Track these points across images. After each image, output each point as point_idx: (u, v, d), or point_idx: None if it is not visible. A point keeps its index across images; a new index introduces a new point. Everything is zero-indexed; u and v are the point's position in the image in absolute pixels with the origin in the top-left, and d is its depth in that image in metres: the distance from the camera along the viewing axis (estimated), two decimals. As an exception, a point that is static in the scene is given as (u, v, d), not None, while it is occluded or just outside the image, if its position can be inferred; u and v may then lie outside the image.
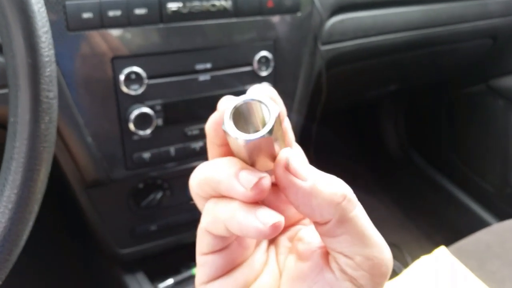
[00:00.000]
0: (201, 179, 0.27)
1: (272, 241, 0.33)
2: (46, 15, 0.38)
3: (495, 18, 1.14)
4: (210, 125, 0.28)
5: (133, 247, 0.84)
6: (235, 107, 0.25)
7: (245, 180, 0.25)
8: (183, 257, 0.91)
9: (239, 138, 0.24)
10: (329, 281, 0.27)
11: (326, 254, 0.28)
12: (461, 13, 1.07)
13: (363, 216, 0.27)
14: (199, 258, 0.30)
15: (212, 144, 0.29)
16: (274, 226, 0.25)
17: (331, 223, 0.26)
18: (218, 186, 0.26)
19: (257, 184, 0.25)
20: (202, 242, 0.29)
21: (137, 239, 0.84)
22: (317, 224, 0.27)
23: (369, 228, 0.27)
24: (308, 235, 0.30)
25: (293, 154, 0.26)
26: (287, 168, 0.25)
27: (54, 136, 0.40)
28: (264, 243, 0.32)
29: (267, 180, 0.25)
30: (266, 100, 0.25)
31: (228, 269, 0.30)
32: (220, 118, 0.27)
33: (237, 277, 0.30)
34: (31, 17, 0.37)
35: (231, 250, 0.29)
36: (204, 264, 0.29)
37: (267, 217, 0.25)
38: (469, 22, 1.10)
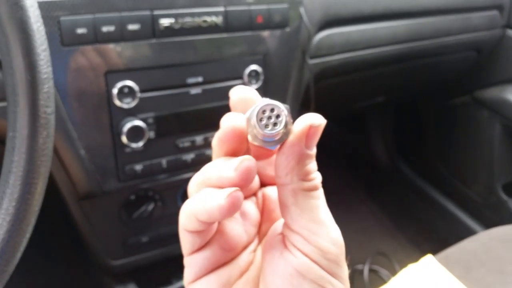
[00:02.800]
0: (199, 182, 0.30)
1: (260, 240, 0.35)
2: (44, 34, 0.40)
3: (479, 31, 1.16)
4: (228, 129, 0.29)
5: (125, 259, 0.85)
6: (261, 108, 0.28)
7: (230, 164, 0.28)
8: (174, 268, 0.91)
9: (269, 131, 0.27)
10: (289, 260, 0.29)
11: (284, 239, 0.31)
12: (446, 27, 1.09)
13: (318, 198, 0.29)
14: (185, 260, 0.32)
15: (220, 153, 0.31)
16: (231, 196, 0.27)
17: (288, 188, 0.29)
18: (210, 181, 0.29)
19: (240, 164, 0.27)
20: (183, 242, 0.31)
21: (129, 251, 0.84)
22: (279, 185, 0.30)
23: (320, 209, 0.29)
24: (276, 224, 0.33)
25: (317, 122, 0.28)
26: (308, 130, 0.28)
27: (51, 151, 0.41)
28: (253, 245, 0.34)
29: (249, 161, 0.28)
30: (279, 103, 0.28)
31: (211, 268, 0.32)
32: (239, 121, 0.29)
33: (221, 274, 0.32)
34: (30, 35, 0.38)
35: (213, 250, 0.31)
36: (189, 265, 0.32)
37: (226, 191, 0.27)
38: (453, 36, 1.12)
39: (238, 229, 0.33)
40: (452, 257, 0.84)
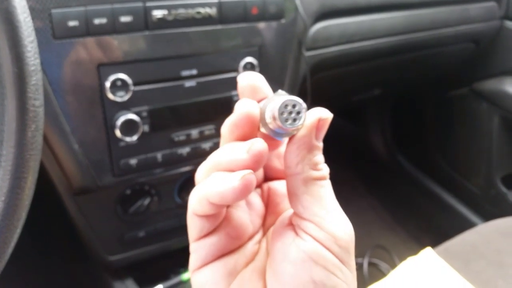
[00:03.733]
0: (208, 168, 0.31)
1: (265, 233, 0.36)
2: (31, 25, 0.39)
3: (477, 23, 1.16)
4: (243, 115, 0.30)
5: (121, 254, 0.84)
6: (284, 102, 0.29)
7: (242, 146, 0.29)
8: (171, 263, 0.91)
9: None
10: (301, 246, 0.30)
11: (294, 228, 0.32)
12: (444, 18, 1.08)
13: (327, 187, 0.31)
14: (191, 245, 0.32)
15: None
16: (245, 178, 0.27)
17: (299, 177, 0.30)
18: (220, 165, 0.30)
19: (253, 146, 0.28)
20: (191, 227, 0.32)
21: (125, 246, 0.84)
22: (289, 176, 0.31)
23: (330, 197, 0.31)
24: (284, 215, 0.34)
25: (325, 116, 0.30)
26: (318, 123, 0.30)
27: (40, 144, 0.40)
28: (258, 236, 0.35)
29: (262, 144, 0.28)
30: (300, 100, 0.29)
31: (218, 255, 0.32)
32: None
33: (227, 262, 0.32)
34: (17, 26, 0.37)
35: (220, 237, 0.32)
36: (196, 251, 0.32)
37: (239, 173, 0.28)
38: (451, 27, 1.11)
39: (244, 217, 0.34)
40: (452, 250, 0.84)
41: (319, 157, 0.31)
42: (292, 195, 0.31)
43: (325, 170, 0.31)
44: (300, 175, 0.30)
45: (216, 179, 0.29)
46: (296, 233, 0.31)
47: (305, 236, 0.30)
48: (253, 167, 0.28)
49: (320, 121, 0.30)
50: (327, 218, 0.30)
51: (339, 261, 0.29)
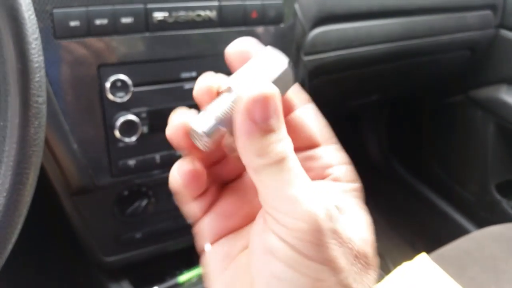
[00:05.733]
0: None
1: None
2: (36, 22, 0.39)
3: (474, 31, 1.17)
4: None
5: (118, 255, 0.84)
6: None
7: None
8: (168, 265, 0.91)
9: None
10: (263, 238, 0.27)
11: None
12: (441, 26, 1.09)
13: (286, 171, 0.26)
14: (194, 230, 0.32)
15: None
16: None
17: (249, 169, 0.27)
18: None
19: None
20: (187, 213, 0.32)
21: (122, 247, 0.83)
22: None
23: (289, 183, 0.26)
24: None
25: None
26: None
27: (42, 141, 0.40)
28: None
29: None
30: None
31: (215, 236, 0.32)
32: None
33: (225, 244, 0.31)
34: (21, 23, 0.37)
35: (212, 217, 0.31)
36: (197, 233, 0.32)
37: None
38: (448, 34, 1.12)
39: (241, 196, 0.32)
40: (446, 256, 0.84)
41: (267, 139, 0.26)
42: (255, 187, 0.28)
43: (274, 152, 0.26)
44: (248, 166, 0.27)
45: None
46: (264, 224, 0.28)
47: (266, 228, 0.27)
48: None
49: (251, 104, 0.25)
50: (282, 208, 0.26)
51: (303, 256, 0.25)
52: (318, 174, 0.31)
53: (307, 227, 0.25)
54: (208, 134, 0.27)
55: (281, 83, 0.28)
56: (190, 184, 0.30)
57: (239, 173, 0.33)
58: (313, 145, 0.31)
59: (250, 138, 0.26)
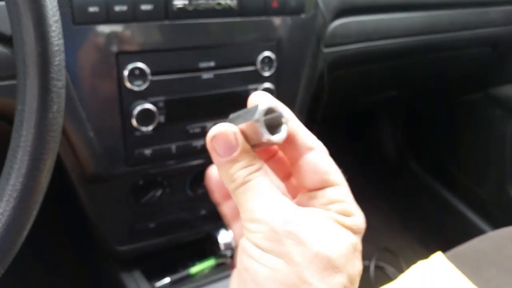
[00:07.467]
0: None
1: None
2: (56, 5, 0.38)
3: (496, 26, 1.15)
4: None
5: (131, 245, 0.84)
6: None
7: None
8: (180, 256, 0.91)
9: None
10: (241, 243, 0.34)
11: None
12: (463, 21, 1.07)
13: (250, 190, 0.33)
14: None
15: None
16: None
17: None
18: None
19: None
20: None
21: (135, 236, 0.83)
22: None
23: (253, 199, 0.33)
24: None
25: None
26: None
27: (60, 126, 0.39)
28: None
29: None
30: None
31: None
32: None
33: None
34: (42, 5, 0.36)
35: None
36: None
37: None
38: (470, 30, 1.10)
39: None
40: (462, 256, 0.83)
41: (233, 168, 0.33)
42: None
43: (241, 177, 0.33)
44: (228, 189, 0.35)
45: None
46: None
47: (242, 234, 0.34)
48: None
49: (212, 140, 0.34)
50: (246, 217, 0.33)
51: (263, 250, 0.32)
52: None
53: (264, 228, 0.32)
54: None
55: (251, 131, 0.33)
56: None
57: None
58: (323, 186, 0.35)
59: (220, 169, 0.34)
